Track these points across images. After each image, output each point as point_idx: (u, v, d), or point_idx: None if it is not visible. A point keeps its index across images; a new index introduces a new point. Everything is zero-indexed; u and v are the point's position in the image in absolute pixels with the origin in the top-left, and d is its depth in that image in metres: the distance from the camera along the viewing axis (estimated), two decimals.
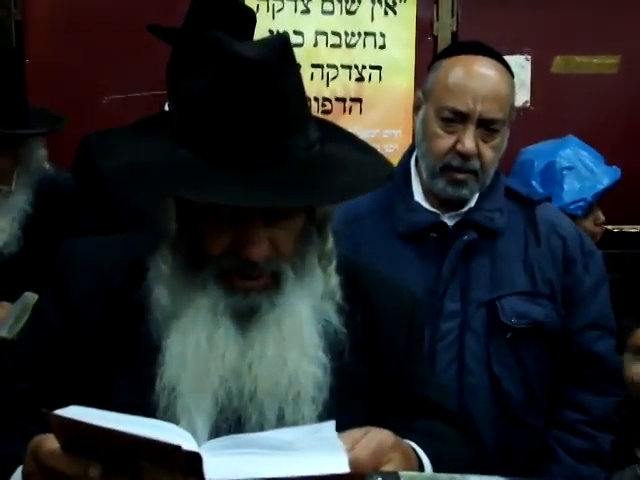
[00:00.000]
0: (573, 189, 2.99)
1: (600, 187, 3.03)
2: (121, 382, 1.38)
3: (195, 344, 1.35)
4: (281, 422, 1.33)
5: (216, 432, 1.32)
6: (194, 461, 1.05)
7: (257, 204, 1.28)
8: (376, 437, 1.25)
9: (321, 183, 1.33)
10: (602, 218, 3.09)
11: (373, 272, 1.62)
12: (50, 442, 1.14)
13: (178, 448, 1.05)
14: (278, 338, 1.37)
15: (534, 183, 2.96)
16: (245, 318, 1.36)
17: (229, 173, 1.28)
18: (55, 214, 2.55)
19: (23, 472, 1.20)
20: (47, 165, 2.52)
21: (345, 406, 1.39)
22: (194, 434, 1.24)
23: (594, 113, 3.84)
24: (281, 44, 1.33)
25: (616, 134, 3.76)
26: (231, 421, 1.32)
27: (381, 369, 1.50)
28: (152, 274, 1.40)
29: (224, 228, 1.34)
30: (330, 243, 1.45)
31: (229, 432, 1.30)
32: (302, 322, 1.39)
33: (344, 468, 1.09)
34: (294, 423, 1.32)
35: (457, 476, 1.18)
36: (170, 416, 1.33)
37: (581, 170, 3.04)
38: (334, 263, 1.45)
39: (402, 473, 1.18)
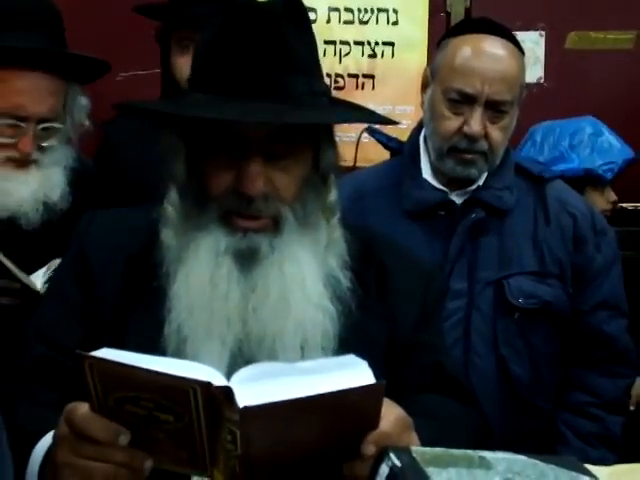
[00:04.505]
0: (603, 151, 2.99)
1: (627, 156, 3.03)
2: (135, 336, 1.41)
3: (199, 285, 1.39)
4: None
5: (228, 378, 1.34)
6: (226, 394, 1.08)
7: (252, 118, 1.33)
8: (399, 412, 1.23)
9: (319, 113, 1.41)
10: (614, 197, 3.08)
11: (388, 239, 1.63)
12: (83, 407, 1.16)
13: (209, 384, 1.08)
14: (280, 283, 1.39)
15: (563, 144, 2.97)
16: (246, 259, 1.39)
17: (230, 101, 1.35)
18: (81, 191, 2.48)
19: (55, 435, 1.22)
20: (88, 122, 2.27)
21: None
22: None
23: (609, 89, 3.80)
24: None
25: (632, 110, 3.73)
26: (242, 366, 1.33)
27: (394, 335, 1.50)
28: (161, 218, 1.44)
29: (226, 166, 1.38)
30: (334, 195, 1.47)
31: None
32: (304, 269, 1.41)
33: (370, 380, 1.13)
34: None
35: (469, 451, 1.16)
36: None
37: (608, 137, 3.04)
38: (338, 215, 1.47)
39: (413, 447, 1.17)
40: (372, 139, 2.46)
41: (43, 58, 2.04)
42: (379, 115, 1.59)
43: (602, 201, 3.04)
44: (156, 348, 1.35)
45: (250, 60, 1.36)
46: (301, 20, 1.42)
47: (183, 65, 2.64)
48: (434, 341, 1.57)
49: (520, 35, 2.18)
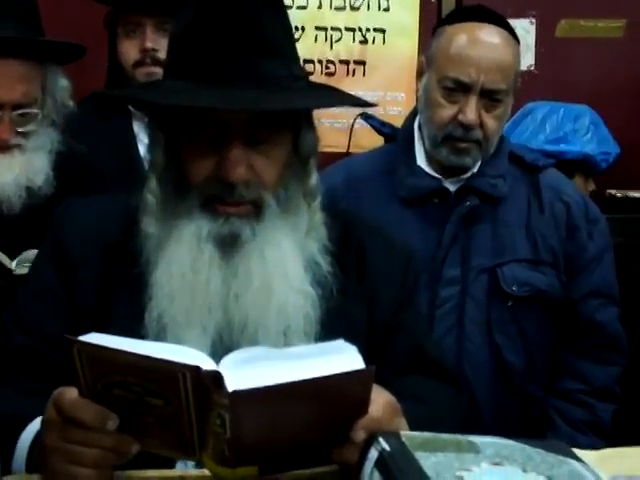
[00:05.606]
0: (601, 140, 3.01)
1: (617, 150, 3.05)
2: (115, 325, 1.38)
3: (180, 272, 1.39)
4: None
5: None
6: (215, 379, 1.09)
7: (230, 105, 1.34)
8: (389, 397, 1.24)
9: (298, 98, 1.42)
10: (593, 187, 3.11)
11: (367, 222, 1.64)
12: (72, 392, 1.16)
13: (198, 369, 1.08)
14: (262, 268, 1.39)
15: (568, 125, 2.98)
16: (228, 245, 1.40)
17: (207, 88, 1.35)
18: (68, 175, 2.45)
19: (43, 420, 1.21)
20: (71, 103, 2.25)
21: None
22: None
23: (599, 77, 3.81)
24: None
25: (622, 98, 3.74)
26: (223, 354, 1.31)
27: (374, 317, 1.52)
28: (141, 206, 1.44)
29: (206, 152, 1.38)
30: (314, 179, 1.47)
31: None
32: (285, 254, 1.41)
33: (359, 365, 1.14)
34: None
35: (458, 436, 1.17)
36: None
37: (603, 129, 3.06)
38: (318, 199, 1.47)
39: (403, 432, 1.18)
40: (365, 126, 2.46)
41: (12, 45, 2.03)
42: (357, 98, 1.60)
43: (583, 189, 3.06)
44: (138, 335, 1.34)
45: (226, 46, 1.36)
46: (277, 4, 1.43)
47: (129, 50, 2.63)
48: (413, 323, 1.58)
49: (511, 23, 2.18)
